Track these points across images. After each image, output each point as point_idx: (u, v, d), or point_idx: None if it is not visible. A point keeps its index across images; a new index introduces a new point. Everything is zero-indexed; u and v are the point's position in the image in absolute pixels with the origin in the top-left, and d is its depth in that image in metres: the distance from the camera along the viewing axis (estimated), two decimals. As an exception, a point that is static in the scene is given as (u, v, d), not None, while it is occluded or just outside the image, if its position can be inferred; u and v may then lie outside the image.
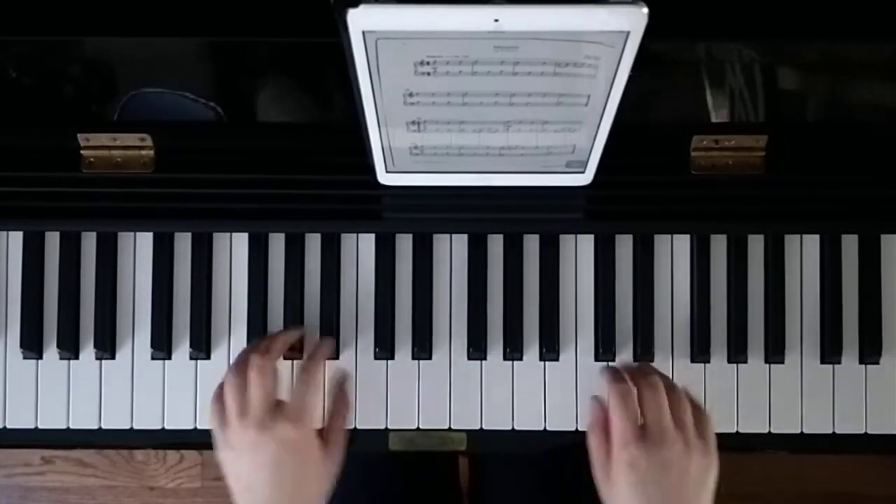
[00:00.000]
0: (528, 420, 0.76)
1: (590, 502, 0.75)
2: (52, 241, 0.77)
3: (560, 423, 0.76)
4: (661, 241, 0.77)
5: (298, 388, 0.70)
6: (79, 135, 0.73)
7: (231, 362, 0.73)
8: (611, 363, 0.75)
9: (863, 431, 0.76)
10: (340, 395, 0.75)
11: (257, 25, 0.66)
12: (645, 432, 0.66)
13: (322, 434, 0.71)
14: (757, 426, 0.76)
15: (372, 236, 0.77)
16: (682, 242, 0.77)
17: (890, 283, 0.76)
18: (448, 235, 0.77)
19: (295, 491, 0.67)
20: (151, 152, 0.75)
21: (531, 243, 0.77)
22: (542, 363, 0.76)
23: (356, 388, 0.76)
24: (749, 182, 0.74)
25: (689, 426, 0.67)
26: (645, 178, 0.74)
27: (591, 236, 0.77)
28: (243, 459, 0.67)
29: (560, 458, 0.85)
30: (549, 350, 0.76)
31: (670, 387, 0.69)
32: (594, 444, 0.68)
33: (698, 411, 0.69)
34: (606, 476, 0.67)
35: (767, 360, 0.76)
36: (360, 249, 0.77)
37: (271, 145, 0.75)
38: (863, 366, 0.76)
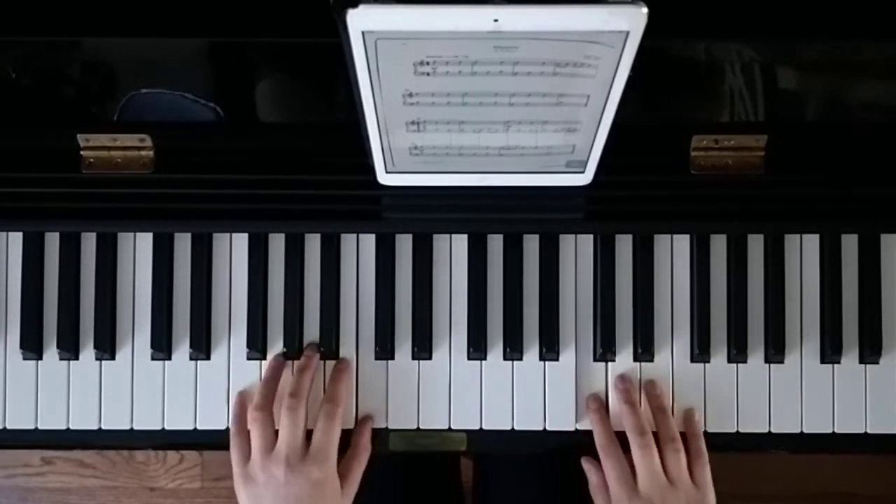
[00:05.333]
0: (528, 420, 0.76)
1: (590, 502, 0.75)
2: (52, 241, 0.77)
3: (560, 423, 0.76)
4: (661, 241, 0.77)
5: (323, 431, 0.71)
6: (79, 135, 0.73)
7: (257, 392, 0.74)
8: (595, 416, 0.75)
9: (863, 431, 0.76)
10: (364, 439, 0.75)
11: (257, 25, 0.66)
12: (638, 491, 0.70)
13: (342, 473, 0.73)
14: (757, 426, 0.76)
15: (372, 236, 0.77)
16: (682, 242, 0.77)
17: (890, 283, 0.76)
18: (448, 235, 0.77)
19: None
20: (151, 153, 0.75)
21: (531, 243, 0.77)
22: (542, 363, 0.76)
23: (356, 389, 0.76)
24: (749, 182, 0.74)
25: (683, 479, 0.71)
26: (645, 178, 0.74)
27: (591, 236, 0.77)
28: (265, 492, 0.70)
29: (560, 458, 0.85)
30: (549, 350, 0.76)
31: (666, 439, 0.72)
32: (591, 476, 0.75)
33: (697, 456, 0.72)
34: None
35: (767, 360, 0.76)
36: (360, 249, 0.77)
37: (271, 145, 0.75)
38: (863, 366, 0.76)
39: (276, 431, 0.72)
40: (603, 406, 0.75)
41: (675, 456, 0.71)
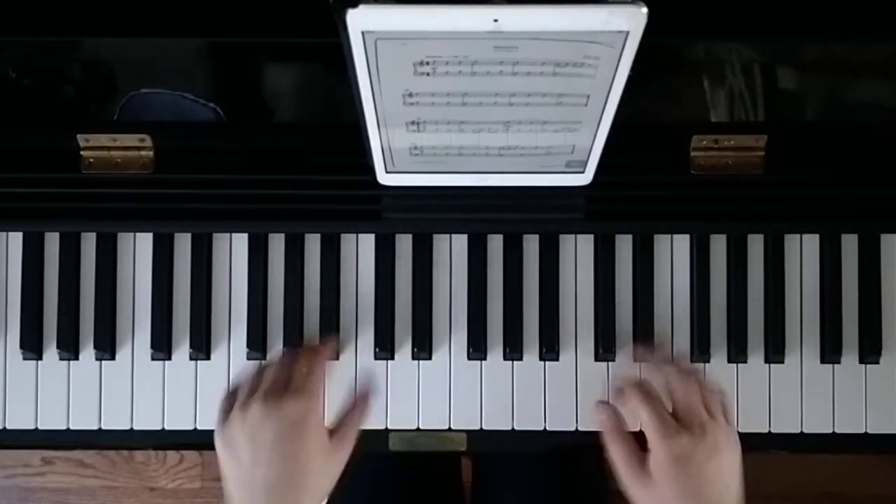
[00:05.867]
0: (528, 420, 0.76)
1: (590, 502, 0.75)
2: (52, 241, 0.77)
3: (560, 423, 0.76)
4: (661, 241, 0.77)
5: (306, 367, 0.66)
6: (78, 135, 0.73)
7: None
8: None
9: (863, 431, 0.76)
10: (362, 398, 0.71)
11: (257, 25, 0.66)
12: (683, 423, 0.65)
13: (334, 430, 0.67)
14: (757, 426, 0.76)
15: (372, 236, 0.77)
16: (682, 242, 0.77)
17: (890, 283, 0.76)
18: (448, 235, 0.77)
19: (296, 471, 0.63)
20: (151, 153, 0.75)
21: (531, 243, 0.77)
22: (542, 363, 0.76)
23: (356, 389, 0.76)
24: (749, 182, 0.74)
25: (718, 410, 0.66)
26: (645, 178, 0.74)
27: (591, 236, 0.77)
28: (241, 441, 0.63)
29: (560, 459, 0.85)
30: (549, 350, 0.76)
31: (688, 372, 0.69)
32: (619, 451, 0.66)
33: (722, 395, 0.69)
34: (642, 479, 0.65)
35: (767, 360, 0.76)
36: (360, 249, 0.77)
37: (271, 146, 0.75)
38: (863, 366, 0.76)
39: None
40: (613, 414, 0.70)
41: (705, 390, 0.67)
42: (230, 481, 0.64)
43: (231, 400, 0.66)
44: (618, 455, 0.67)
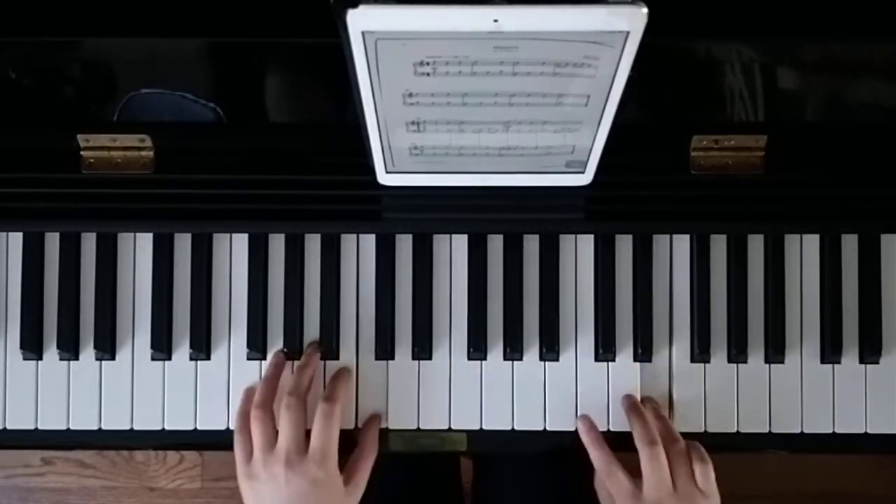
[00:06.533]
0: (528, 420, 0.76)
1: (590, 502, 0.75)
2: (52, 241, 0.77)
3: (560, 423, 0.76)
4: (661, 241, 0.77)
5: (321, 431, 0.71)
6: (79, 136, 0.73)
7: (258, 390, 0.74)
8: (589, 438, 0.75)
9: (863, 431, 0.76)
10: (371, 438, 0.75)
11: (257, 26, 0.66)
12: (643, 500, 0.70)
13: (347, 475, 0.72)
14: (757, 426, 0.76)
15: (372, 236, 0.77)
16: (682, 242, 0.77)
17: (890, 283, 0.76)
18: (448, 235, 0.77)
19: None
20: (151, 153, 0.75)
21: (531, 243, 0.77)
22: (542, 363, 0.76)
23: (357, 389, 0.76)
24: (749, 182, 0.74)
25: (689, 486, 0.70)
26: (645, 178, 0.75)
27: (591, 236, 0.77)
28: (266, 490, 0.70)
29: (559, 459, 0.85)
30: (549, 350, 0.76)
31: (671, 441, 0.72)
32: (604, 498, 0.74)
33: (700, 462, 0.71)
34: None
35: (767, 360, 0.76)
36: (360, 249, 0.77)
37: (271, 146, 0.75)
38: (863, 366, 0.76)
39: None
40: (594, 427, 0.75)
41: (681, 460, 0.71)
42: None
43: (248, 443, 0.72)
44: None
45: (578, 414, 0.76)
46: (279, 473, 0.69)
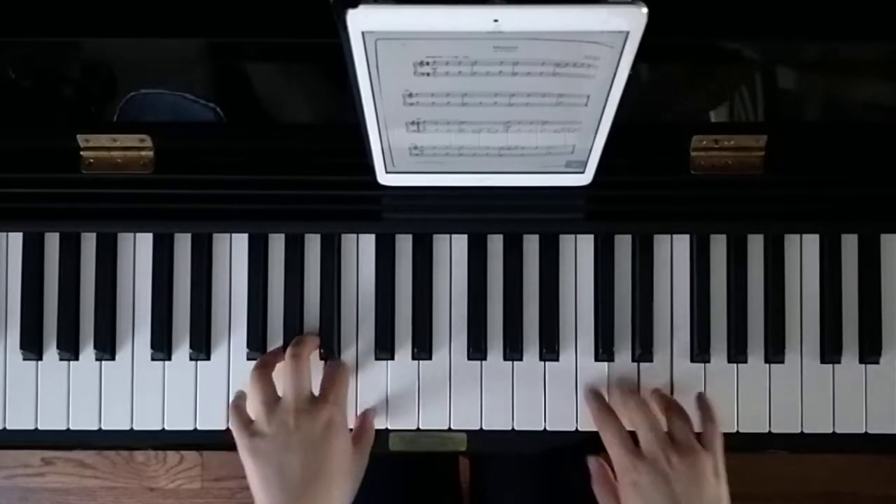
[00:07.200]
0: (528, 420, 0.76)
1: (589, 502, 0.75)
2: (52, 241, 0.77)
3: (560, 423, 0.76)
4: (661, 241, 0.77)
5: (329, 378, 0.72)
6: (78, 136, 0.73)
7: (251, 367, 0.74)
8: (588, 392, 0.76)
9: (863, 431, 0.76)
10: (368, 420, 0.75)
11: (257, 26, 0.66)
12: (640, 453, 0.69)
13: (353, 436, 0.73)
14: (757, 426, 0.76)
15: (372, 237, 0.77)
16: (682, 242, 0.77)
17: (890, 283, 0.76)
18: (448, 235, 0.77)
19: (329, 471, 0.68)
20: (151, 153, 0.75)
21: (531, 243, 0.77)
22: (542, 363, 0.76)
23: (356, 389, 0.76)
24: (749, 182, 0.74)
25: (690, 440, 0.69)
26: (645, 178, 0.75)
27: (591, 236, 0.77)
28: (272, 447, 0.67)
29: (560, 459, 0.85)
30: (549, 350, 0.76)
31: (666, 405, 0.72)
32: (601, 495, 0.73)
33: (708, 420, 0.72)
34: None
35: (767, 360, 0.76)
36: (360, 250, 0.77)
37: (271, 146, 0.75)
38: (863, 366, 0.76)
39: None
40: (594, 389, 0.75)
41: (679, 417, 0.71)
42: (263, 490, 0.67)
43: (243, 413, 0.71)
44: (601, 499, 0.72)
45: (578, 414, 0.76)
46: (288, 420, 0.67)
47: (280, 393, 0.71)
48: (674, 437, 0.70)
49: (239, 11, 0.65)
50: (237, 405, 0.73)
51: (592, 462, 0.74)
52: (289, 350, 0.72)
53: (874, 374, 0.76)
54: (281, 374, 0.71)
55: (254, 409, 0.71)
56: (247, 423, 0.70)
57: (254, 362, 0.76)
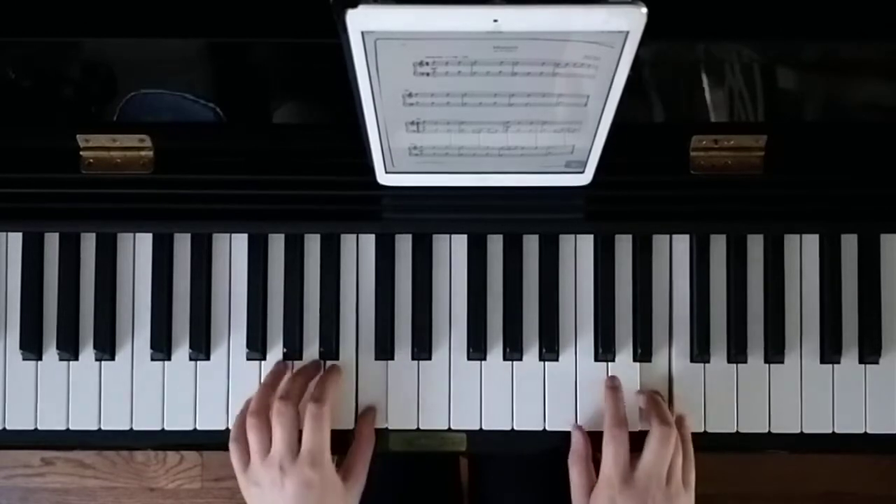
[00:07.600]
0: (528, 420, 0.76)
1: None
2: (52, 241, 0.77)
3: (560, 423, 0.76)
4: (661, 241, 0.77)
5: (311, 432, 0.70)
6: (78, 136, 0.73)
7: (254, 398, 0.73)
8: (613, 380, 0.75)
9: (863, 431, 0.76)
10: (366, 433, 0.75)
11: (257, 26, 0.66)
12: (633, 479, 0.69)
13: (345, 471, 0.72)
14: (757, 426, 0.76)
15: (372, 237, 0.77)
16: (682, 242, 0.77)
17: (890, 283, 0.76)
18: (448, 235, 0.77)
19: None
20: (151, 153, 0.75)
21: (531, 243, 0.77)
22: (542, 363, 0.76)
23: (356, 389, 0.76)
24: (748, 182, 0.74)
25: (676, 477, 0.70)
26: (644, 178, 0.75)
27: (591, 236, 0.77)
28: (269, 497, 0.69)
29: (559, 459, 0.85)
30: (549, 350, 0.76)
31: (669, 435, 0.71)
32: (577, 473, 0.73)
33: (688, 458, 0.72)
34: None
35: (767, 360, 0.76)
36: (360, 250, 0.77)
37: (271, 146, 0.75)
38: (863, 366, 0.76)
39: None
40: (621, 386, 0.75)
41: (686, 458, 0.72)
42: None
43: (243, 454, 0.71)
44: (575, 476, 0.73)
45: (578, 414, 0.76)
46: (275, 477, 0.69)
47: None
48: (671, 473, 0.70)
49: (239, 11, 0.65)
50: (237, 439, 0.72)
51: (576, 432, 0.74)
52: (280, 392, 0.71)
53: (874, 374, 0.76)
54: (274, 416, 0.70)
55: (252, 451, 0.71)
56: (245, 465, 0.71)
57: (253, 362, 0.76)
